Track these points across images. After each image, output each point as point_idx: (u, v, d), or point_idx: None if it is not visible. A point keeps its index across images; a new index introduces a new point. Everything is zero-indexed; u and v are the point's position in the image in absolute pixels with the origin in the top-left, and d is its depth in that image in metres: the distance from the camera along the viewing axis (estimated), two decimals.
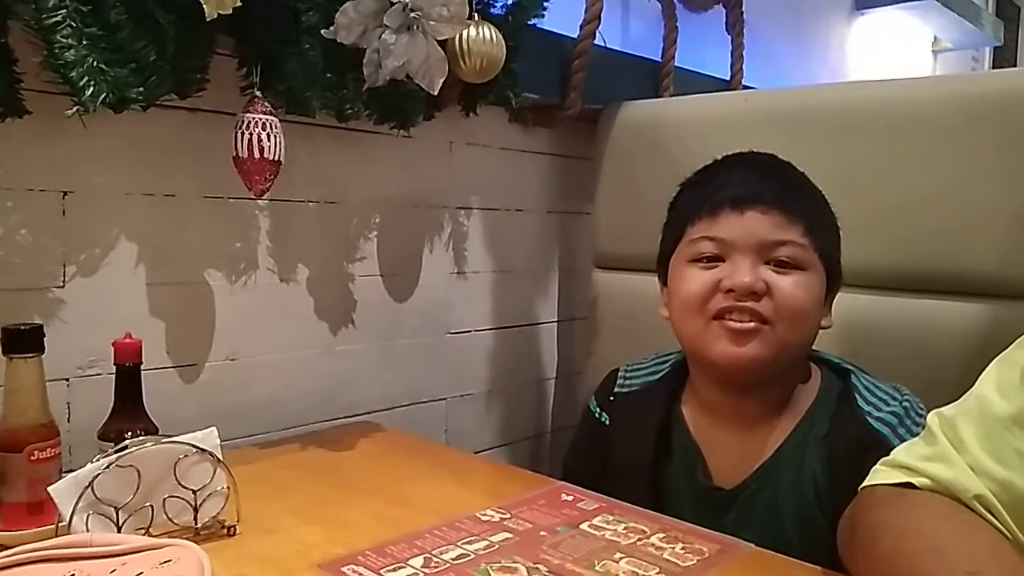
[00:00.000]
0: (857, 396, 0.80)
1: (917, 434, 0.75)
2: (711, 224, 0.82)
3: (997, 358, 0.63)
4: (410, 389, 1.22)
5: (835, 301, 0.86)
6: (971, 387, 0.63)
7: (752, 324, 0.78)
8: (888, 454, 0.66)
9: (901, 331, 0.97)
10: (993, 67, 3.01)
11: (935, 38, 2.76)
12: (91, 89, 0.77)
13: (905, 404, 0.79)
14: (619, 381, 0.96)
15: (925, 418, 0.77)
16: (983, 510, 0.56)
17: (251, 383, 1.03)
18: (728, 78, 1.58)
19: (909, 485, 0.60)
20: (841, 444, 0.79)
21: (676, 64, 1.43)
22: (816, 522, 0.78)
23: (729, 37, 1.59)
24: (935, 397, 0.65)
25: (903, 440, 0.74)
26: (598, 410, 0.97)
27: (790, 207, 0.80)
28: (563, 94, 1.27)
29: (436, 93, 0.99)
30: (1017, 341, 0.63)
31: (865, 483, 0.63)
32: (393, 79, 0.95)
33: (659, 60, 1.43)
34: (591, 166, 1.34)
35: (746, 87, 1.59)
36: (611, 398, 0.95)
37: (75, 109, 0.77)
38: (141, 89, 0.81)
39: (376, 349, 1.17)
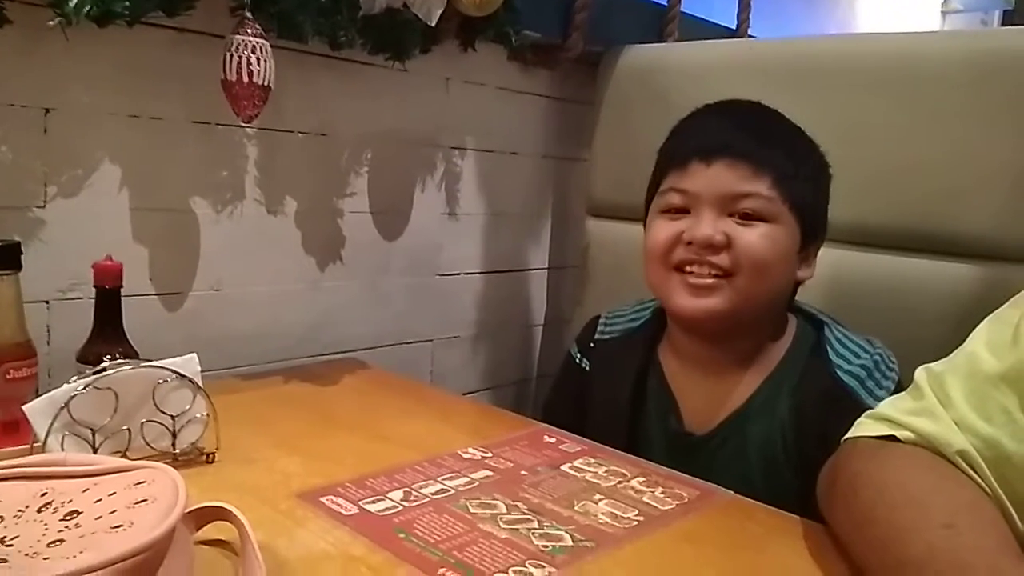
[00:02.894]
0: (828, 348, 0.80)
1: (885, 387, 0.76)
2: (680, 176, 0.81)
3: (990, 316, 0.63)
4: (397, 328, 1.21)
5: (833, 258, 0.85)
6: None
7: (711, 280, 0.78)
8: (855, 406, 0.66)
9: (897, 290, 0.96)
10: None
11: None
12: (74, 1, 0.74)
13: (876, 357, 0.79)
14: (600, 328, 0.96)
15: (895, 371, 0.78)
16: (965, 465, 0.56)
17: (235, 314, 1.02)
18: (735, 27, 1.55)
19: (892, 438, 0.59)
20: (809, 395, 0.79)
21: (682, 9, 1.39)
22: (782, 471, 0.79)
23: None
24: (926, 356, 0.64)
25: (871, 393, 0.76)
26: (579, 356, 0.97)
27: (758, 159, 0.78)
28: (565, 34, 1.24)
29: (434, 25, 0.97)
30: (1011, 300, 0.62)
31: (848, 435, 0.63)
32: (389, 7, 0.92)
33: (664, 4, 1.39)
34: (590, 111, 1.31)
35: (751, 37, 1.56)
36: (591, 344, 0.96)
37: (57, 20, 0.75)
38: (127, 3, 0.79)
39: (363, 287, 1.16)
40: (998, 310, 0.63)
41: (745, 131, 0.81)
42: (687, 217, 0.80)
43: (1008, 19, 2.97)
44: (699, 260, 0.78)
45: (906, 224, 0.97)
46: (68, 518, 0.45)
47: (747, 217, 0.78)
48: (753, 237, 0.77)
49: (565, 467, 0.74)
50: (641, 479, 0.72)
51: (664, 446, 0.86)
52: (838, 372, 0.78)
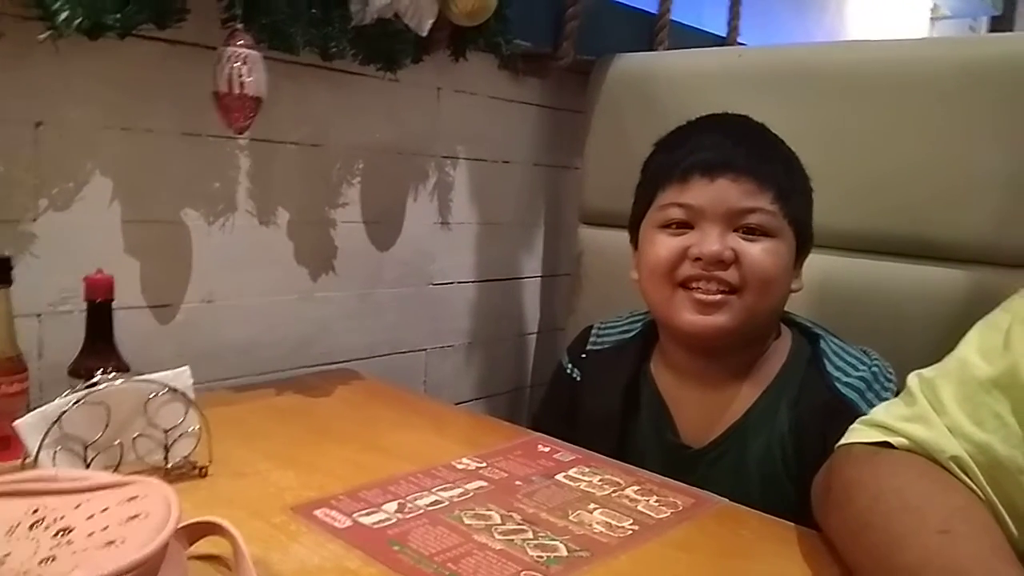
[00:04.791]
0: (826, 361, 0.80)
1: (885, 398, 0.76)
2: (681, 190, 0.80)
3: (981, 321, 0.63)
4: (390, 339, 1.21)
5: (825, 264, 0.85)
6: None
7: (719, 296, 0.77)
8: (855, 419, 0.66)
9: (889, 295, 0.97)
10: None
11: (934, 5, 2.74)
12: (65, 13, 0.75)
13: (874, 369, 0.79)
14: (591, 338, 0.96)
15: (894, 382, 0.78)
16: (959, 471, 0.56)
17: (227, 326, 1.01)
18: (725, 34, 1.56)
19: (886, 444, 0.59)
20: (809, 408, 0.79)
21: (672, 18, 1.40)
22: (781, 484, 0.79)
23: None
24: (918, 361, 0.64)
25: (871, 405, 0.75)
26: (570, 366, 0.97)
27: (761, 174, 0.78)
28: (555, 43, 1.24)
29: (425, 35, 0.97)
30: (1002, 305, 0.63)
31: (842, 441, 0.63)
32: (380, 18, 0.92)
33: (655, 12, 1.40)
34: (581, 119, 1.32)
35: (741, 45, 1.57)
36: (583, 355, 0.95)
37: (48, 34, 0.75)
38: (118, 16, 0.78)
39: (356, 297, 1.15)
40: (989, 315, 0.63)
41: (744, 147, 0.80)
42: (689, 232, 0.79)
43: (996, 25, 2.99)
44: (707, 276, 0.77)
45: (896, 230, 0.97)
46: (60, 535, 0.45)
47: (751, 232, 0.78)
48: (759, 252, 0.77)
49: (559, 476, 0.74)
50: (636, 487, 0.72)
51: (660, 459, 0.85)
52: (837, 385, 0.78)
